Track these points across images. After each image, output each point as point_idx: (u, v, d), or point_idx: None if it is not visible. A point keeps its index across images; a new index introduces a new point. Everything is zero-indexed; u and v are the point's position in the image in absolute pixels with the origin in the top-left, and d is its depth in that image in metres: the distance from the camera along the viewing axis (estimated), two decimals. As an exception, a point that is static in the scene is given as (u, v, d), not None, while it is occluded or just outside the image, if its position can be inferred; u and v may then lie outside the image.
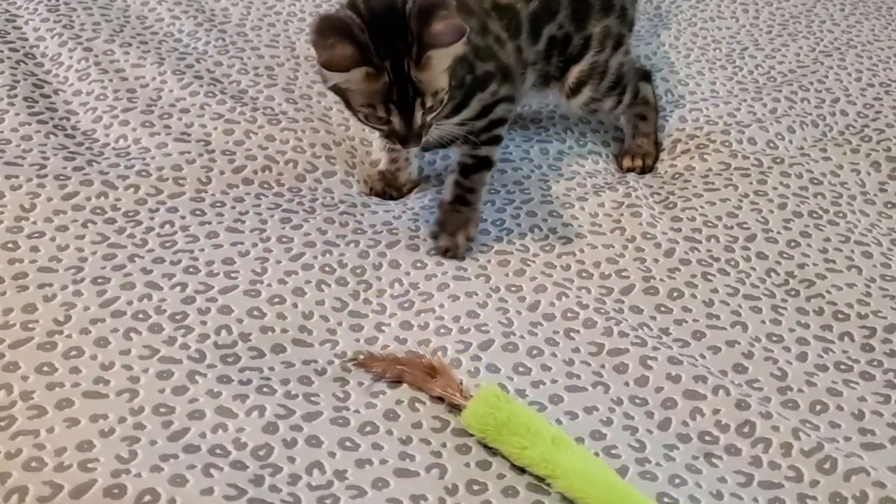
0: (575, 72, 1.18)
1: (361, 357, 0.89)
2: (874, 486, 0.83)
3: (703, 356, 0.96)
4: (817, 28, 1.60)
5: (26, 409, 0.81)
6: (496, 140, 1.11)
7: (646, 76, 1.31)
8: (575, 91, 1.19)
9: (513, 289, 1.02)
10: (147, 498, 0.73)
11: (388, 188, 1.17)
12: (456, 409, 0.84)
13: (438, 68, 0.95)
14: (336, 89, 0.99)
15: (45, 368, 0.85)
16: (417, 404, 0.86)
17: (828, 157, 1.29)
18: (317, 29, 0.95)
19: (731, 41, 1.56)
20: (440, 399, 0.85)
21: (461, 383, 0.86)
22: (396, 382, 0.87)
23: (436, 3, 0.94)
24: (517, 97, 1.13)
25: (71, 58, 1.32)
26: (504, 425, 0.80)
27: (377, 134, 1.09)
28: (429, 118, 0.98)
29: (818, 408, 0.92)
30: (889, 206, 1.23)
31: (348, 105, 1.00)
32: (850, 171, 1.27)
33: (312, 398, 0.85)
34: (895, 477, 0.84)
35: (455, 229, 1.07)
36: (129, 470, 0.75)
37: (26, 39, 1.35)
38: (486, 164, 1.10)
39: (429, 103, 0.96)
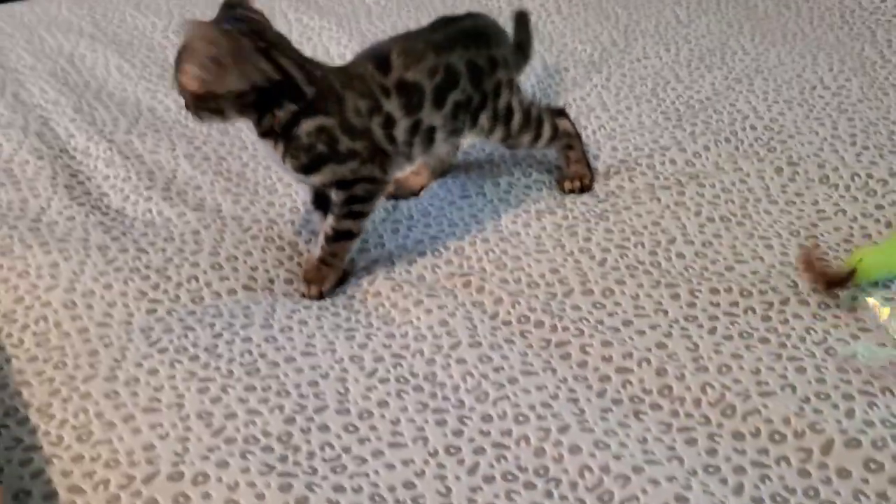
0: (483, 119, 1.39)
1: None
2: (765, 423, 1.06)
3: (631, 338, 1.19)
4: (730, 59, 1.86)
5: (100, 425, 1.04)
6: (356, 215, 1.28)
7: (560, 113, 1.54)
8: (489, 132, 1.41)
9: (475, 304, 1.26)
10: (200, 478, 0.97)
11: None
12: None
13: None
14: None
15: (111, 395, 1.08)
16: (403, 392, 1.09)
17: (738, 168, 1.53)
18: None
19: (655, 77, 1.81)
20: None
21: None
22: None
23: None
24: (387, 179, 1.30)
25: (97, 149, 1.57)
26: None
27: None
28: None
29: (724, 369, 1.14)
30: (789, 203, 1.46)
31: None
32: (756, 177, 1.51)
33: (319, 397, 1.08)
34: (783, 412, 1.07)
35: (313, 280, 1.28)
36: (184, 460, 0.99)
37: (59, 137, 1.60)
38: (346, 235, 1.28)
39: None
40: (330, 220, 1.29)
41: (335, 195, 1.27)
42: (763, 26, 1.99)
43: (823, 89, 1.74)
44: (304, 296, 1.29)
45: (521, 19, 1.59)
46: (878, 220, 1.41)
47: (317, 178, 1.26)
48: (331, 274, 1.30)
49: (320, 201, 1.33)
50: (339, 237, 1.29)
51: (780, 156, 1.56)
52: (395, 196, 1.39)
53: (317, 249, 1.31)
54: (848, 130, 1.62)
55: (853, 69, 1.80)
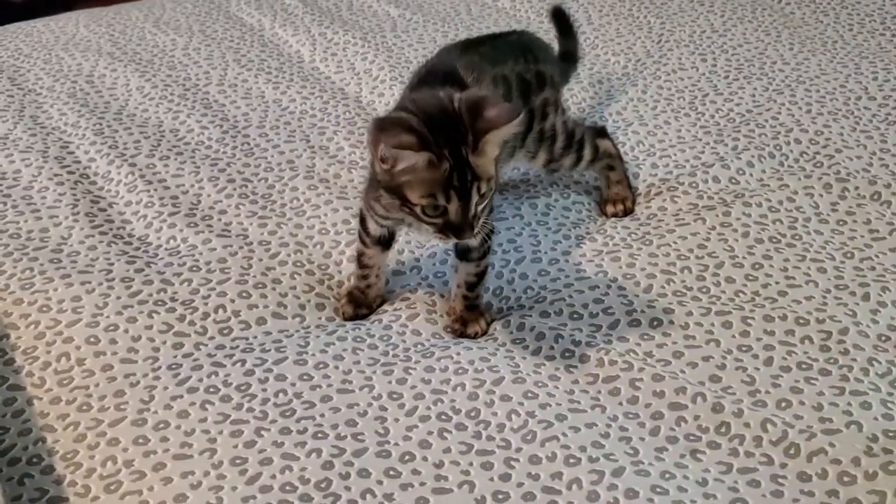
0: (529, 139, 1.35)
1: None
2: (832, 464, 1.00)
3: (682, 371, 1.13)
4: (769, 69, 1.80)
5: (129, 474, 0.99)
6: (489, 251, 1.23)
7: (601, 132, 1.48)
8: (534, 154, 1.37)
9: (516, 342, 1.20)
10: (236, 532, 0.91)
11: (359, 308, 1.26)
12: None
13: (492, 153, 1.05)
14: (392, 188, 1.07)
15: (140, 440, 1.03)
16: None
17: (785, 185, 1.47)
18: (378, 126, 1.05)
19: (692, 89, 1.75)
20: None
21: None
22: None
23: (483, 96, 1.07)
24: None
25: (119, 174, 1.52)
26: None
27: (424, 231, 1.13)
28: (480, 207, 1.06)
29: (783, 404, 1.08)
30: (841, 223, 1.40)
31: (404, 202, 1.06)
32: (804, 195, 1.45)
33: (358, 438, 1.03)
34: (850, 452, 1.00)
35: (475, 320, 1.23)
36: (218, 512, 0.93)
37: (79, 162, 1.56)
38: (483, 275, 1.23)
39: (483, 189, 1.05)
40: (470, 268, 1.22)
41: (476, 238, 1.15)
42: (801, 34, 1.92)
43: (869, 100, 1.68)
44: (475, 336, 1.22)
45: (562, 20, 1.54)
46: (935, 240, 1.35)
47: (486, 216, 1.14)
48: (483, 308, 1.25)
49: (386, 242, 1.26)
50: (480, 278, 1.24)
51: (827, 171, 1.50)
52: (356, 317, 1.27)
53: (457, 301, 1.24)
54: (898, 143, 1.55)
55: (898, 78, 1.73)
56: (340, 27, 1.98)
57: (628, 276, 1.29)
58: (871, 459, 1.00)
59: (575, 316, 1.23)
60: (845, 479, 0.99)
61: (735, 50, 1.88)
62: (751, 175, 1.50)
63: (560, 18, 1.55)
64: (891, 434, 1.03)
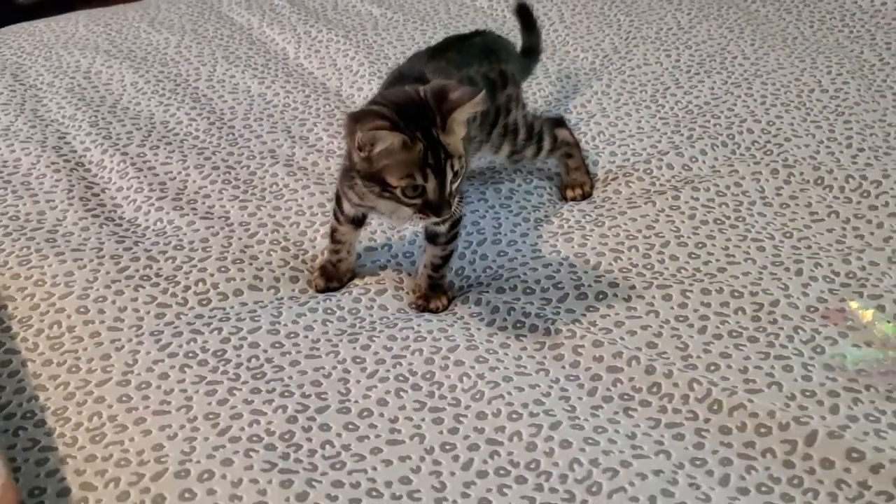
0: (495, 134, 1.46)
1: None
2: (750, 417, 1.10)
3: (622, 338, 1.23)
4: (729, 63, 1.89)
5: (112, 427, 1.09)
6: (457, 236, 1.33)
7: (559, 122, 1.58)
8: (498, 147, 1.48)
9: (473, 315, 1.30)
10: (205, 475, 1.02)
11: (330, 281, 1.35)
12: None
13: (460, 131, 1.15)
14: (372, 174, 1.15)
15: (123, 398, 1.13)
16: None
17: (734, 171, 1.56)
18: (352, 118, 1.14)
19: (655, 83, 1.85)
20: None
21: None
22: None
23: (445, 83, 1.18)
24: None
25: (112, 162, 1.63)
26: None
27: (405, 213, 1.19)
28: (455, 185, 1.15)
29: (712, 367, 1.18)
30: (784, 206, 1.49)
31: (384, 188, 1.15)
32: (751, 180, 1.54)
33: (321, 397, 1.13)
34: (768, 407, 1.10)
35: (437, 297, 1.33)
36: (190, 459, 1.04)
37: (75, 151, 1.66)
38: (449, 258, 1.33)
39: (456, 166, 1.13)
40: (436, 251, 1.32)
41: (444, 225, 1.29)
42: (763, 30, 2.02)
43: (821, 92, 1.77)
44: (436, 311, 1.32)
45: (526, 15, 1.64)
46: (870, 221, 1.44)
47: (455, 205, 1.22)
48: (446, 287, 1.35)
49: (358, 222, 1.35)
50: (446, 261, 1.34)
51: (776, 159, 1.59)
52: (327, 289, 1.37)
53: (422, 280, 1.34)
54: (844, 133, 1.65)
55: (851, 72, 1.82)
56: (325, 26, 2.09)
57: (579, 255, 1.39)
58: (785, 413, 1.09)
59: (528, 291, 1.33)
60: (762, 430, 1.08)
61: (699, 46, 1.97)
62: (703, 162, 1.60)
63: (524, 14, 1.65)
64: (807, 393, 1.13)
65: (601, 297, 1.30)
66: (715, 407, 1.12)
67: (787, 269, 1.34)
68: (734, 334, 1.23)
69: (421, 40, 2.01)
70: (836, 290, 1.29)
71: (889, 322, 1.22)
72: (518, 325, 1.27)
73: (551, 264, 1.37)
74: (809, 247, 1.40)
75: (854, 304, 1.25)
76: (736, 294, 1.29)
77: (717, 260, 1.37)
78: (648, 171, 1.57)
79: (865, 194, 1.50)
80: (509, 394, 1.14)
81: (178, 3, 2.25)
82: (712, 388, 1.13)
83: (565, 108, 1.79)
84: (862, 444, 1.04)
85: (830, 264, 1.34)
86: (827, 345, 1.20)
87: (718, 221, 1.45)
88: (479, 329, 1.26)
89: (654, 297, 1.30)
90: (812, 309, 1.27)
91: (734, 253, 1.38)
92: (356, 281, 1.38)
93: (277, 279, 1.36)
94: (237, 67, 1.94)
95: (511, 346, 1.23)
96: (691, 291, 1.30)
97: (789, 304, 1.28)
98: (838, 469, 1.03)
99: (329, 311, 1.30)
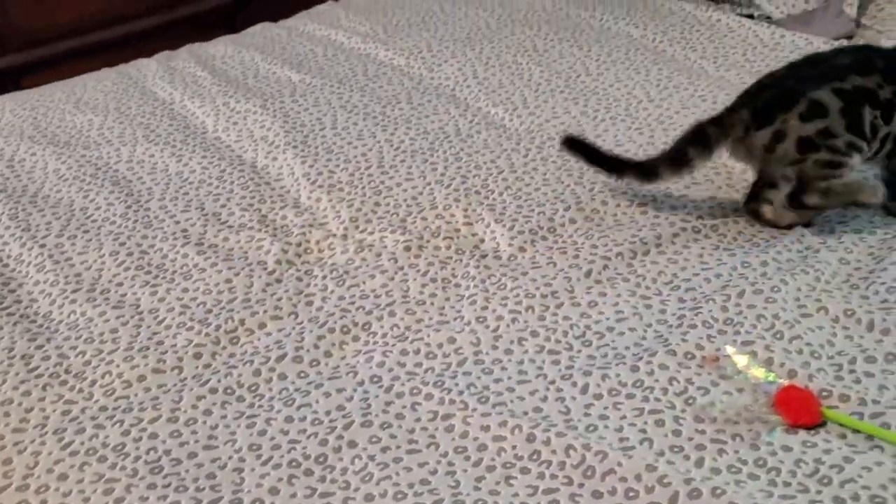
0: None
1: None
2: (620, 482, 1.14)
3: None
4: (633, 109, 1.94)
5: (11, 534, 1.14)
6: None
7: None
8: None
9: (373, 378, 1.34)
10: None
11: None
12: None
13: None
14: None
15: None
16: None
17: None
18: None
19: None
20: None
21: None
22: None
23: None
24: None
25: (30, 255, 1.67)
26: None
27: None
28: None
29: (590, 429, 1.22)
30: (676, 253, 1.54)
31: None
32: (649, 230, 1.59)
33: (215, 489, 1.17)
34: (637, 468, 1.14)
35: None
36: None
37: (-6, 246, 1.72)
38: None
39: None
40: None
41: None
42: (670, 68, 2.07)
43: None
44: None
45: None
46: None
47: None
48: None
49: None
50: None
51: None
52: None
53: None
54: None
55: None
56: (243, 95, 2.14)
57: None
58: (652, 475, 1.13)
59: (430, 356, 1.37)
60: (630, 494, 1.12)
61: (605, 91, 2.03)
62: (604, 213, 1.65)
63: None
64: (676, 449, 1.17)
65: (496, 362, 1.35)
66: (588, 472, 1.16)
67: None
68: (613, 392, 1.27)
69: (337, 104, 2.07)
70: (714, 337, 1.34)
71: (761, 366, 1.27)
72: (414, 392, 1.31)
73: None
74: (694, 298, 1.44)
75: (730, 349, 1.29)
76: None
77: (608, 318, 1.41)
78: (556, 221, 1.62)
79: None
80: (397, 474, 1.18)
81: (104, 81, 2.31)
82: (585, 453, 1.17)
83: (476, 167, 1.83)
84: (720, 498, 1.08)
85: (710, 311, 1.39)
86: (699, 395, 1.24)
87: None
88: (376, 397, 1.30)
89: (543, 362, 1.34)
90: (689, 355, 1.31)
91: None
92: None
93: (181, 358, 1.41)
94: (157, 146, 1.99)
95: (406, 418, 1.27)
96: (578, 356, 1.34)
97: (667, 351, 1.31)
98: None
99: (229, 391, 1.34)
